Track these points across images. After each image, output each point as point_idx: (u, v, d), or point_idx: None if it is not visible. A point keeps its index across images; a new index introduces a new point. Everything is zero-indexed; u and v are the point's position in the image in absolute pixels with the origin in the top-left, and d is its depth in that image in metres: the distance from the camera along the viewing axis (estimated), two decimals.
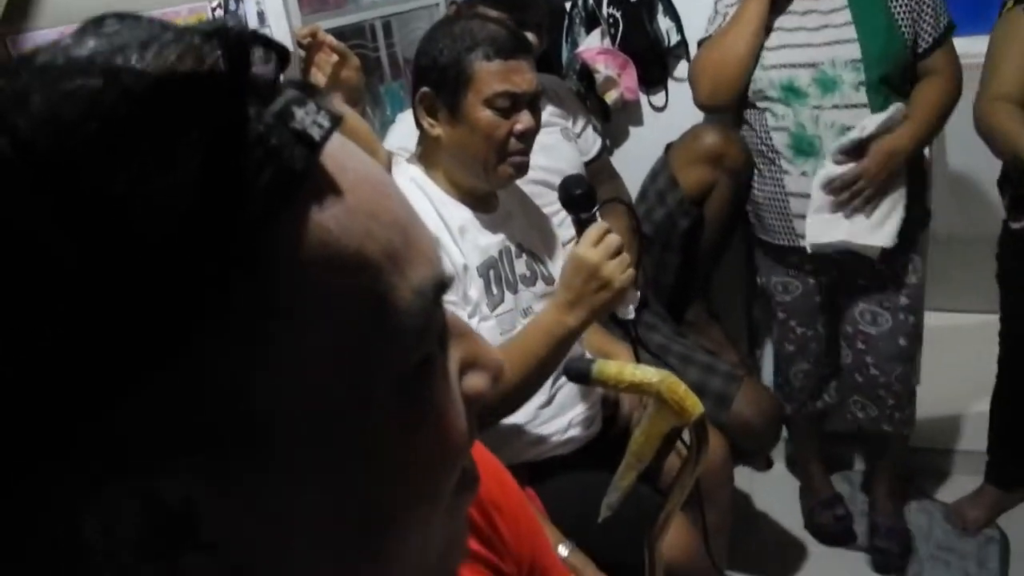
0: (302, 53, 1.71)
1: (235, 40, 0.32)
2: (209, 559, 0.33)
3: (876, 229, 1.94)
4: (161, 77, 0.30)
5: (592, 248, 1.35)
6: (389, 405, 0.35)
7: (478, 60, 1.43)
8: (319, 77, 1.68)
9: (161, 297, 0.29)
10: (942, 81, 1.92)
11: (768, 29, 1.99)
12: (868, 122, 1.86)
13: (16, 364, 0.28)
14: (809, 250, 1.99)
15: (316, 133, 0.33)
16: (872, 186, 1.89)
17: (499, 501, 0.65)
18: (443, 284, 0.39)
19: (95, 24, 0.34)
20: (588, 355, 1.63)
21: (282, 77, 0.35)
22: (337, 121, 0.34)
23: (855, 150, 1.88)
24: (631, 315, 1.49)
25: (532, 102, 1.48)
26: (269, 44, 0.34)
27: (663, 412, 1.19)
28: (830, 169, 1.91)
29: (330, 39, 1.71)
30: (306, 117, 0.33)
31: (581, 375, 1.21)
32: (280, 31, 1.69)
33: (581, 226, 1.39)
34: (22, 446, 0.29)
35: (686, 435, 1.26)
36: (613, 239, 1.37)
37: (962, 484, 2.42)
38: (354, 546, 0.36)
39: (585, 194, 1.41)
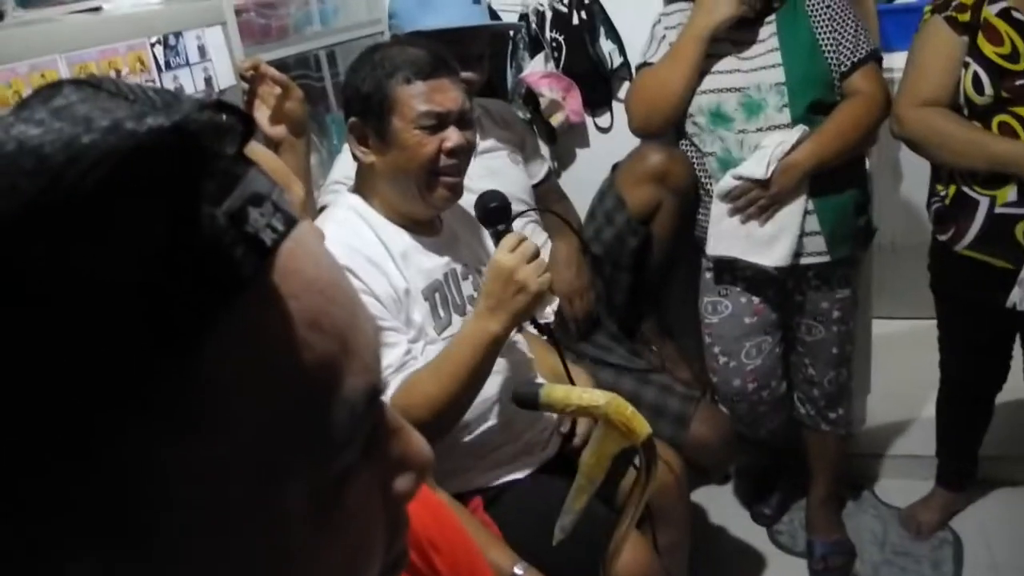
0: (245, 86, 1.71)
1: (195, 129, 0.31)
2: None
3: (769, 248, 1.99)
4: (103, 181, 0.29)
5: (508, 253, 1.39)
6: (298, 513, 0.35)
7: (399, 84, 1.46)
8: (262, 110, 1.69)
9: (85, 388, 0.29)
10: (859, 101, 1.96)
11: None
12: (772, 154, 1.92)
13: None
14: (711, 256, 2.08)
15: (268, 238, 0.32)
16: (766, 197, 1.95)
17: (436, 539, 0.65)
18: (377, 391, 0.38)
19: (48, 94, 0.33)
20: (539, 379, 1.64)
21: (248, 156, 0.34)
22: (292, 224, 0.34)
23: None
24: (551, 318, 1.52)
25: (460, 120, 1.50)
26: (232, 113, 0.33)
27: (611, 434, 1.21)
28: (727, 181, 1.97)
29: (272, 71, 1.71)
30: (260, 219, 0.32)
31: (529, 401, 1.22)
32: (222, 65, 1.68)
33: (499, 238, 1.45)
34: None
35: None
36: (528, 245, 1.41)
37: (915, 488, 2.46)
38: None
39: (500, 207, 1.50)
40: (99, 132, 0.30)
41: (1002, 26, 1.78)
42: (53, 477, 0.29)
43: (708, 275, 2.19)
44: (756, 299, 2.13)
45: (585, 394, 1.20)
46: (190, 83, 1.59)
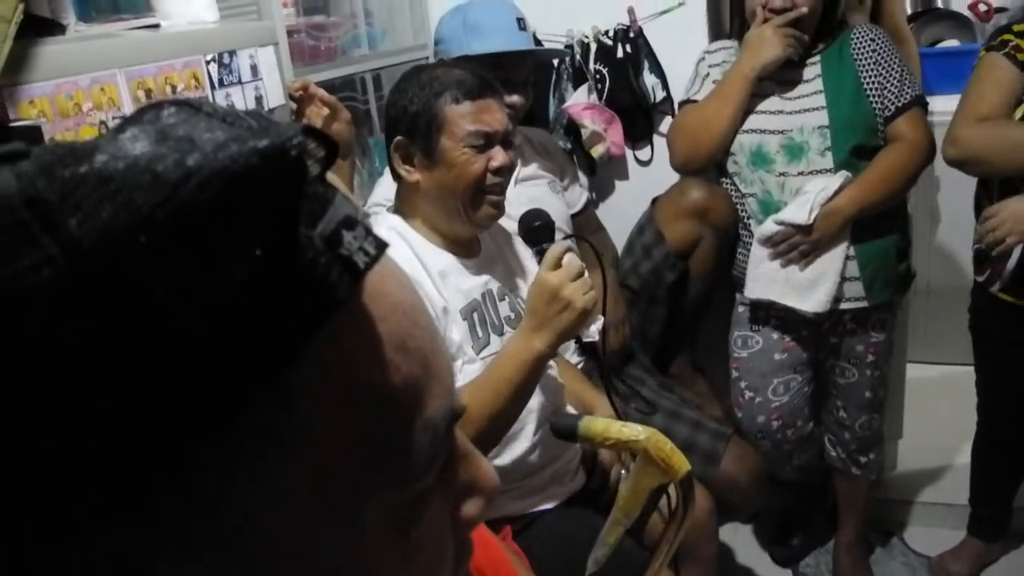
0: (294, 105, 1.73)
1: (296, 153, 0.32)
2: None
3: (809, 293, 1.98)
4: (215, 199, 0.29)
5: (552, 271, 1.39)
6: (376, 534, 0.35)
7: (448, 104, 1.47)
8: None
9: (184, 403, 0.29)
10: (903, 147, 1.95)
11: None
12: (814, 200, 1.91)
13: (47, 464, 0.28)
14: (748, 298, 2.07)
15: (361, 260, 0.33)
16: (808, 243, 1.94)
17: (484, 568, 0.65)
18: (456, 415, 0.39)
19: (152, 115, 0.33)
20: (571, 409, 1.63)
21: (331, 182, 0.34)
22: (383, 248, 0.34)
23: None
24: (595, 337, 1.52)
25: (505, 139, 1.52)
26: (320, 140, 0.34)
27: (649, 469, 1.19)
28: (769, 226, 1.96)
29: (321, 92, 1.73)
30: (354, 242, 0.33)
31: (568, 432, 1.21)
32: (272, 84, 1.70)
33: (543, 257, 1.45)
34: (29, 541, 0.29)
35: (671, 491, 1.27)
36: (573, 262, 1.40)
37: (945, 537, 2.41)
38: None
39: (545, 225, 1.50)
40: (207, 152, 0.30)
41: None
42: (146, 489, 0.30)
43: (741, 309, 2.18)
44: (788, 337, 2.12)
45: (625, 428, 1.19)
46: (241, 101, 1.61)
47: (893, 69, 1.98)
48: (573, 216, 2.17)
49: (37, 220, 0.29)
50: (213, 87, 1.55)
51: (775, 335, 2.12)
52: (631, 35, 2.35)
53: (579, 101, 2.36)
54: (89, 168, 0.30)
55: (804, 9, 1.94)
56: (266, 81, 1.70)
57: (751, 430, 2.19)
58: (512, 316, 1.58)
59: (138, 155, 0.30)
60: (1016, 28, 1.86)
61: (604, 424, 1.20)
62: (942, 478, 2.59)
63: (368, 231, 0.34)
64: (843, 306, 2.01)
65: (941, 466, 2.62)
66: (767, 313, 2.11)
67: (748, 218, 2.06)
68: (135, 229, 0.29)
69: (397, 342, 0.35)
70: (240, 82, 1.62)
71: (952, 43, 3.44)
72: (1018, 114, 1.82)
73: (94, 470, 0.29)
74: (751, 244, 2.05)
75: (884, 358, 2.15)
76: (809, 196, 1.92)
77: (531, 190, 2.04)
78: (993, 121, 1.83)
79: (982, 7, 3.69)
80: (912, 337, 2.54)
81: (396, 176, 1.54)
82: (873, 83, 1.97)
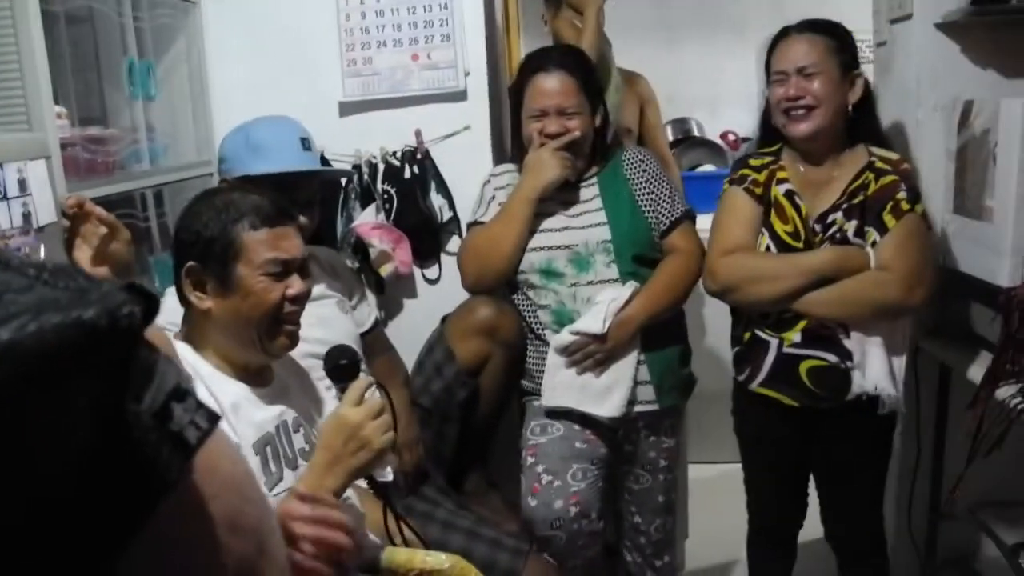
0: (66, 223, 1.63)
1: (126, 324, 0.30)
2: None
3: (604, 399, 2.07)
4: (33, 380, 0.27)
5: (353, 408, 1.37)
6: None
7: (245, 230, 1.45)
8: (84, 250, 1.61)
9: None
10: (679, 258, 2.12)
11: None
12: (607, 310, 2.03)
13: None
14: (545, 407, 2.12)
15: (193, 436, 0.31)
16: (603, 351, 2.05)
17: None
18: None
19: None
20: (372, 538, 1.59)
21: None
22: (215, 421, 0.32)
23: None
24: (389, 477, 1.50)
25: (302, 267, 1.51)
26: (138, 295, 0.32)
27: None
28: (565, 336, 2.05)
29: (98, 210, 1.65)
30: (184, 416, 0.31)
31: (369, 566, 1.18)
32: (44, 200, 1.60)
33: (343, 392, 1.44)
34: None
35: None
36: (375, 401, 1.40)
37: None
38: None
39: (350, 364, 1.49)
40: (23, 324, 0.28)
41: (788, 206, 1.98)
42: None
43: (537, 403, 2.18)
44: (588, 430, 2.13)
45: (429, 557, 1.17)
46: (7, 218, 1.50)
47: (663, 188, 2.15)
48: (362, 335, 2.16)
49: None
50: None
51: (576, 426, 2.13)
52: (418, 156, 2.42)
53: (367, 220, 2.38)
54: None
55: (577, 133, 2.09)
56: (36, 197, 1.59)
57: (547, 519, 2.09)
58: (307, 448, 1.53)
59: None
60: (753, 163, 2.07)
61: (407, 554, 1.19)
62: (730, 575, 2.71)
63: (199, 403, 0.32)
64: (637, 409, 2.11)
65: (727, 562, 2.75)
66: (567, 410, 2.14)
67: (542, 329, 2.13)
68: None
69: (229, 522, 0.33)
70: (7, 198, 1.51)
71: (709, 167, 3.80)
72: (762, 243, 2.00)
73: None
74: (545, 354, 2.12)
75: (675, 462, 2.26)
76: (601, 306, 2.03)
77: (320, 310, 2.01)
78: (742, 253, 2.01)
79: (731, 136, 4.12)
80: (690, 439, 2.68)
81: (185, 302, 1.48)
82: (646, 200, 2.13)
